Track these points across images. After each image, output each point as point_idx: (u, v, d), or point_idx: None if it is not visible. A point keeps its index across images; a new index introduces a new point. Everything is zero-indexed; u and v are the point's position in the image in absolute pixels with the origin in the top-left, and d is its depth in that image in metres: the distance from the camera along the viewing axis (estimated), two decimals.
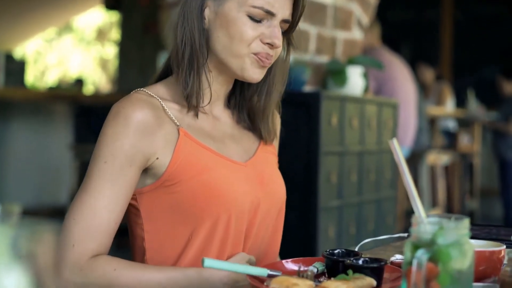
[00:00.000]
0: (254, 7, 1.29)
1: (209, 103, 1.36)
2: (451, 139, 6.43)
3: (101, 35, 14.10)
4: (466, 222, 0.92)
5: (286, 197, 1.45)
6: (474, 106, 6.30)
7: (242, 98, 1.42)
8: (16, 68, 5.76)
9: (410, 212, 1.49)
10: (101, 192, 1.24)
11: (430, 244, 0.90)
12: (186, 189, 1.28)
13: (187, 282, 1.23)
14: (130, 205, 1.31)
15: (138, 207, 1.31)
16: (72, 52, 14.48)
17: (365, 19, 3.59)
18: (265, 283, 1.09)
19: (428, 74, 6.51)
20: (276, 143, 1.52)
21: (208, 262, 1.10)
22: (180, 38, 1.33)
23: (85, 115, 5.64)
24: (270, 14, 1.30)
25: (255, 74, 1.32)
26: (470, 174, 6.56)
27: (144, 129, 1.26)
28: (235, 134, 1.41)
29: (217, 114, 1.39)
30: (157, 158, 1.27)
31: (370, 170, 3.13)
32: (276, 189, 1.41)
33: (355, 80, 3.06)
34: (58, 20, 9.92)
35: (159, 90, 1.35)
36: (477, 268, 1.09)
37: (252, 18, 1.29)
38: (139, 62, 7.59)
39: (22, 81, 5.82)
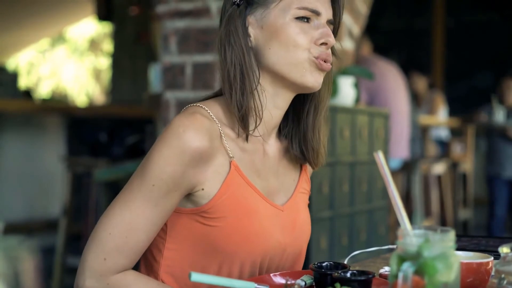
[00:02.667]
0: (299, 8, 1.28)
1: (260, 122, 1.31)
2: (443, 148, 6.42)
3: (94, 45, 14.10)
4: (451, 235, 0.92)
5: None
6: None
7: (295, 123, 1.39)
8: (8, 79, 5.76)
9: None
10: (143, 212, 1.23)
11: (416, 257, 0.89)
12: (224, 226, 1.26)
13: None
14: None
15: (166, 223, 1.29)
16: (65, 63, 14.47)
17: (356, 29, 3.59)
18: None
19: (421, 83, 6.51)
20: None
21: (195, 276, 1.10)
22: (229, 60, 1.29)
23: (77, 127, 5.64)
24: (315, 13, 1.29)
25: (316, 81, 1.30)
26: (463, 183, 6.55)
27: (199, 159, 1.24)
28: (279, 170, 1.39)
29: (267, 146, 1.37)
30: (203, 189, 1.26)
31: (362, 181, 3.13)
32: (303, 233, 1.41)
33: (346, 91, 3.06)
34: (51, 31, 9.91)
35: (218, 109, 1.32)
36: (464, 280, 1.08)
37: (299, 18, 1.28)
38: (131, 72, 7.59)
39: (15, 92, 5.81)
